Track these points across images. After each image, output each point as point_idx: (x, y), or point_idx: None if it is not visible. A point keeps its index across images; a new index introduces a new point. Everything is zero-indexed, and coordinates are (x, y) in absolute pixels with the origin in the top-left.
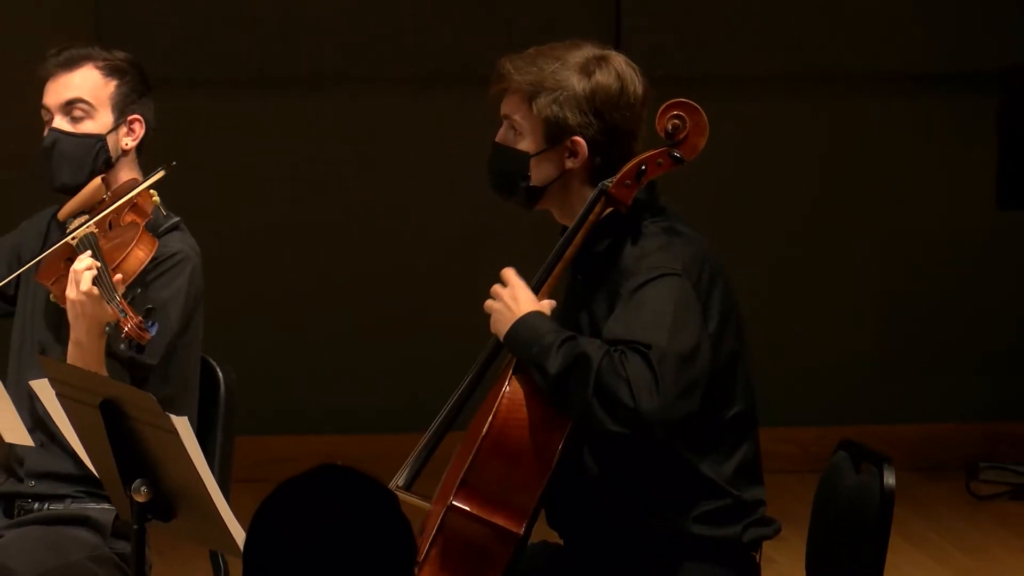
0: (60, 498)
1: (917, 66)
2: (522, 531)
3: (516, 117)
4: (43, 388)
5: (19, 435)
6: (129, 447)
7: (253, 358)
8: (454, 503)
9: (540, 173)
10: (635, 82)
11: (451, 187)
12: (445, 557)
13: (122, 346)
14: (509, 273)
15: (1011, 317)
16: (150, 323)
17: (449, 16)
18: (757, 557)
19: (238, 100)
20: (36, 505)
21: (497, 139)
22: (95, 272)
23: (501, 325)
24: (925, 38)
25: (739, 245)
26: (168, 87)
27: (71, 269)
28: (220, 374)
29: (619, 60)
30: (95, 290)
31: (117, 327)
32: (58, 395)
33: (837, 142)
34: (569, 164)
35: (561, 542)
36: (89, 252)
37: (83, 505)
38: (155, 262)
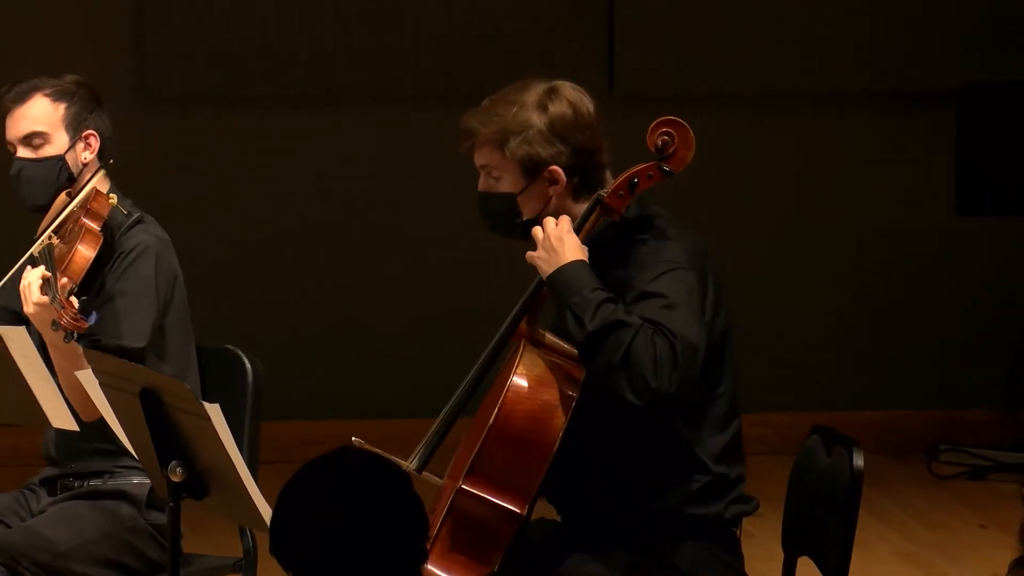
0: (98, 475)
1: (881, 85)
2: (525, 512)
3: (492, 165)
4: (88, 378)
5: (65, 421)
6: (166, 431)
7: (279, 349)
8: (463, 486)
9: (529, 207)
10: (585, 103)
11: (459, 194)
12: (455, 535)
13: (64, 339)
14: (565, 219)
15: (967, 313)
16: (88, 314)
17: (458, 39)
18: (737, 532)
19: (264, 116)
20: (77, 483)
21: (480, 189)
22: (41, 281)
23: (545, 264)
24: (889, 60)
25: (721, 247)
26: (200, 105)
27: (20, 286)
28: (248, 364)
29: (567, 88)
30: (44, 298)
31: (57, 322)
32: (101, 384)
33: (809, 154)
34: (551, 192)
35: (558, 519)
36: (45, 265)
37: (119, 480)
38: (118, 258)
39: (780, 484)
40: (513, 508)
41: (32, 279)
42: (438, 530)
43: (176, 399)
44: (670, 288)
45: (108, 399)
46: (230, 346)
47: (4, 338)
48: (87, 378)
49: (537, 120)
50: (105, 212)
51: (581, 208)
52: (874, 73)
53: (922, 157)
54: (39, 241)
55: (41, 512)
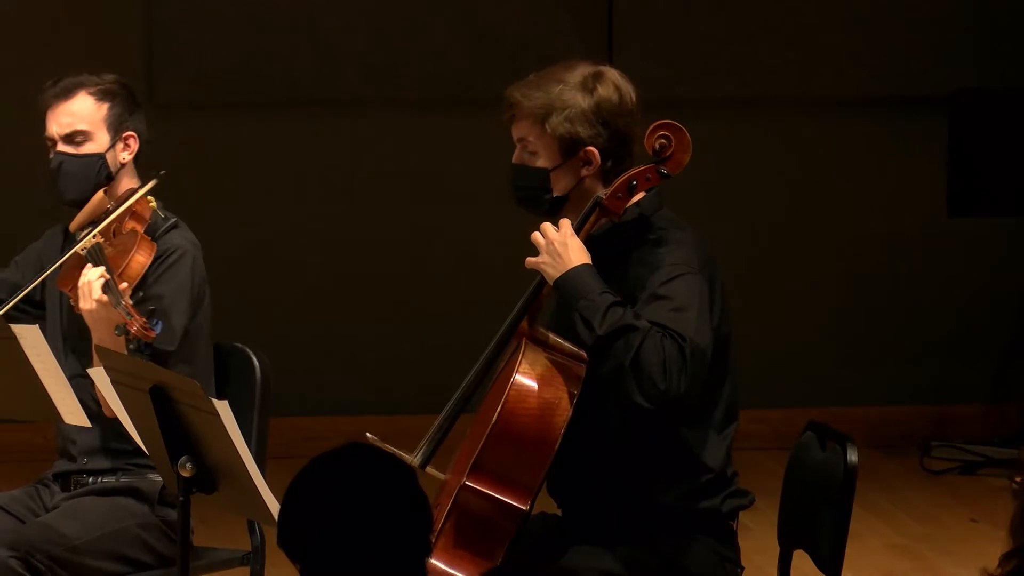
0: (111, 471)
1: (875, 91)
2: (527, 507)
3: (531, 138)
4: (99, 375)
5: (77, 417)
6: (176, 427)
7: (286, 347)
8: (467, 482)
9: (560, 184)
10: (630, 91)
11: (461, 196)
12: (459, 529)
13: (131, 346)
14: (566, 223)
15: (958, 311)
16: (154, 322)
17: (462, 45)
18: (734, 525)
19: (272, 120)
20: (90, 480)
21: (514, 160)
22: (103, 281)
23: (552, 269)
24: (881, 66)
25: (717, 247)
26: (211, 110)
27: (80, 283)
28: (256, 361)
29: (613, 73)
30: (104, 297)
31: (123, 327)
32: (112, 381)
33: (804, 157)
34: (584, 172)
35: (559, 512)
36: (95, 263)
37: (132, 477)
38: (157, 260)
39: (776, 479)
40: (516, 503)
41: (92, 278)
42: (442, 525)
43: (185, 396)
44: (679, 292)
45: (119, 396)
46: (239, 344)
47: (17, 336)
48: (99, 375)
49: (582, 100)
50: (148, 215)
51: None
52: (867, 79)
53: (915, 160)
54: (84, 238)
55: (55, 507)
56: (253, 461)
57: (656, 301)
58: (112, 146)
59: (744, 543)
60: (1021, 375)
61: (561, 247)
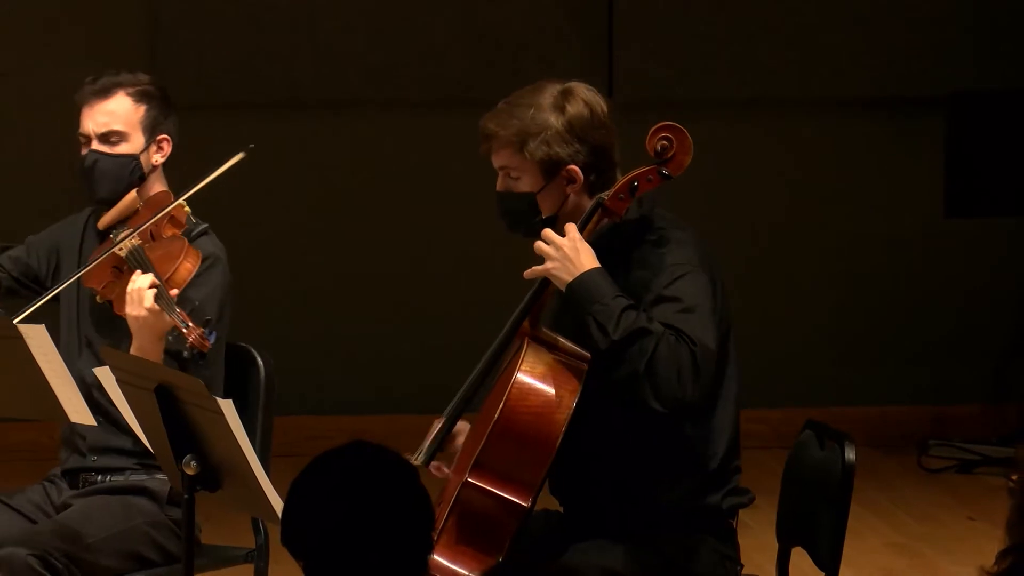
0: (120, 471)
1: (874, 92)
2: (529, 504)
3: (512, 165)
4: (105, 375)
5: (83, 416)
6: (180, 426)
7: (289, 346)
8: (469, 480)
9: (548, 205)
10: (599, 102)
11: (461, 197)
12: (461, 526)
13: (184, 354)
14: (572, 227)
15: (956, 311)
16: (209, 332)
17: (462, 47)
18: (734, 523)
19: (274, 121)
20: (99, 477)
21: (498, 189)
22: (156, 290)
23: (563, 273)
24: (880, 67)
25: (717, 247)
26: (212, 110)
27: (130, 289)
28: (260, 361)
29: (581, 88)
30: (157, 307)
31: (180, 336)
32: (118, 381)
33: (804, 158)
34: (569, 190)
35: (561, 510)
36: (141, 268)
37: (141, 477)
38: None
39: (775, 477)
40: (518, 500)
41: (143, 285)
42: (445, 521)
43: (190, 395)
44: (686, 292)
45: (125, 395)
46: (243, 343)
47: (24, 336)
48: (104, 375)
49: (555, 121)
50: (184, 220)
51: None
52: (867, 80)
53: (913, 161)
54: (121, 239)
55: (64, 504)
56: (257, 459)
57: (664, 303)
58: (146, 148)
59: (744, 541)
60: (1018, 375)
61: (572, 252)
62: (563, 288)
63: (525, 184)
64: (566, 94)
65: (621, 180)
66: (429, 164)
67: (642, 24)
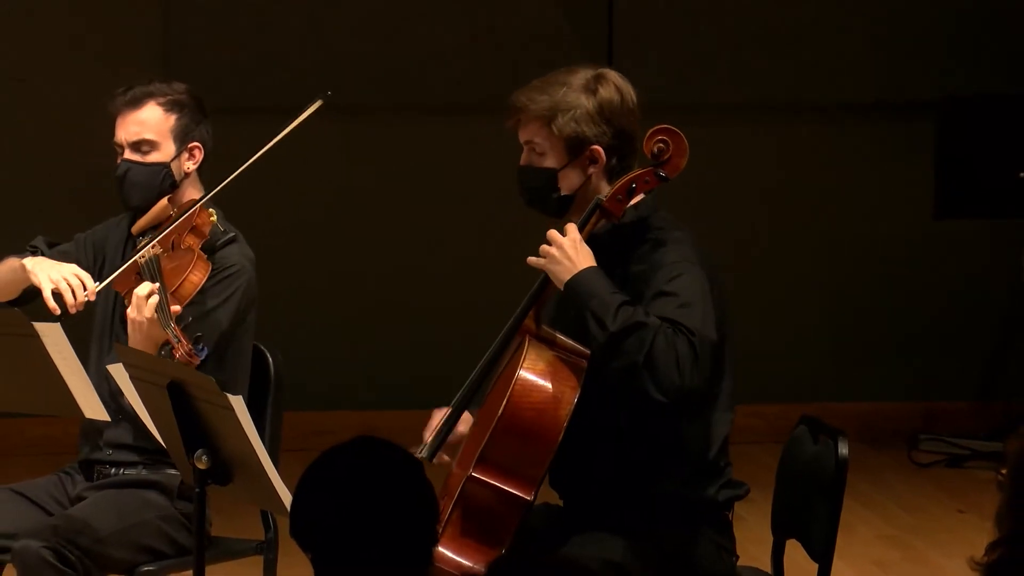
0: (133, 465)
1: (865, 97)
2: (531, 497)
3: (538, 140)
4: (118, 371)
5: (97, 411)
6: (192, 421)
7: (299, 343)
8: (473, 474)
9: (568, 183)
10: (630, 91)
11: (467, 197)
12: (465, 519)
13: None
14: (572, 227)
15: (945, 310)
16: (200, 347)
17: (465, 52)
18: (730, 516)
19: (283, 124)
20: (113, 471)
21: (522, 163)
22: (157, 300)
23: (562, 271)
24: (871, 73)
25: (713, 248)
26: (224, 115)
27: (134, 293)
28: (270, 358)
29: (614, 75)
30: (155, 316)
31: (171, 352)
32: (131, 377)
33: (798, 160)
34: (591, 170)
35: (561, 503)
36: (151, 279)
37: (153, 471)
38: (214, 273)
39: (770, 471)
40: (520, 494)
41: (143, 294)
42: (449, 514)
43: (201, 391)
44: (684, 287)
45: (138, 391)
46: (254, 341)
47: (40, 334)
48: (117, 371)
49: (585, 101)
50: (207, 230)
51: None
52: (858, 86)
53: (904, 164)
54: (143, 247)
55: (79, 496)
56: (266, 454)
57: (662, 298)
58: (177, 156)
59: (739, 533)
60: (1005, 372)
61: (572, 251)
62: (561, 286)
63: (549, 160)
64: (599, 78)
65: (619, 182)
66: (431, 166)
67: (641, 31)
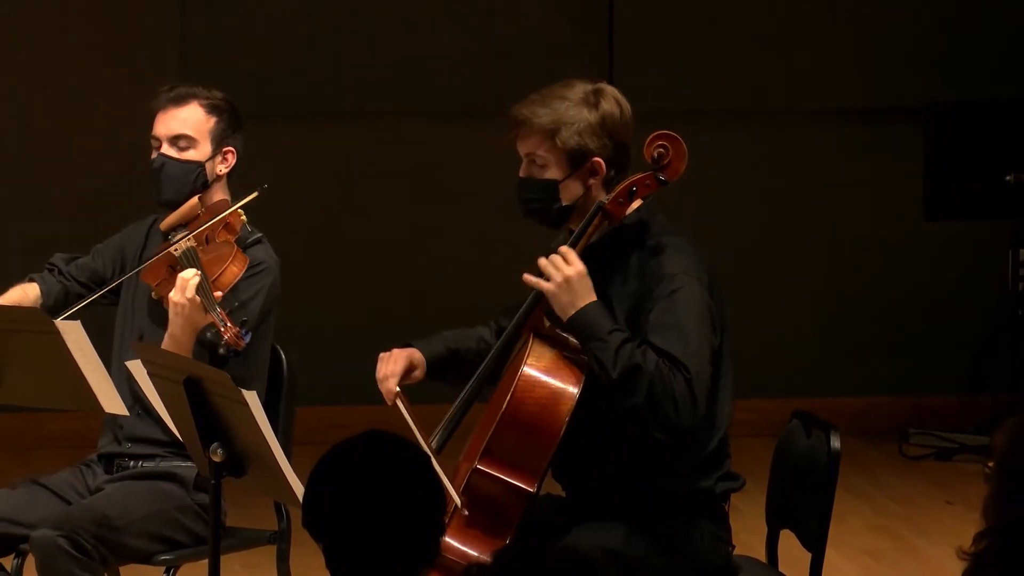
0: (151, 457)
1: (857, 102)
2: (535, 489)
3: (540, 152)
4: (136, 367)
5: (116, 406)
6: (208, 416)
7: (313, 340)
8: (478, 466)
9: (568, 194)
10: (626, 105)
11: (469, 200)
12: (471, 510)
13: (221, 350)
14: (573, 255)
15: (935, 308)
16: (245, 332)
17: (470, 60)
18: (726, 507)
19: (295, 130)
20: (131, 463)
21: (521, 175)
22: (198, 281)
23: (565, 306)
24: (863, 79)
25: (710, 249)
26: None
27: (179, 276)
28: (283, 355)
29: (612, 89)
30: (197, 298)
31: (218, 334)
32: (149, 373)
33: (792, 164)
34: (591, 182)
35: (563, 494)
36: (190, 266)
37: (170, 463)
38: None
39: (764, 464)
40: (524, 486)
41: (189, 275)
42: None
43: (217, 387)
44: (681, 308)
45: (155, 387)
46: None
47: (61, 332)
48: (136, 368)
49: (588, 115)
50: (238, 228)
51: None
52: (850, 92)
53: (894, 168)
54: (178, 240)
55: (98, 488)
56: (280, 447)
57: (660, 323)
58: (212, 157)
59: (735, 523)
60: (992, 368)
61: (576, 283)
62: (563, 319)
63: (550, 172)
64: (598, 92)
65: (620, 185)
66: (436, 167)
67: (641, 38)
